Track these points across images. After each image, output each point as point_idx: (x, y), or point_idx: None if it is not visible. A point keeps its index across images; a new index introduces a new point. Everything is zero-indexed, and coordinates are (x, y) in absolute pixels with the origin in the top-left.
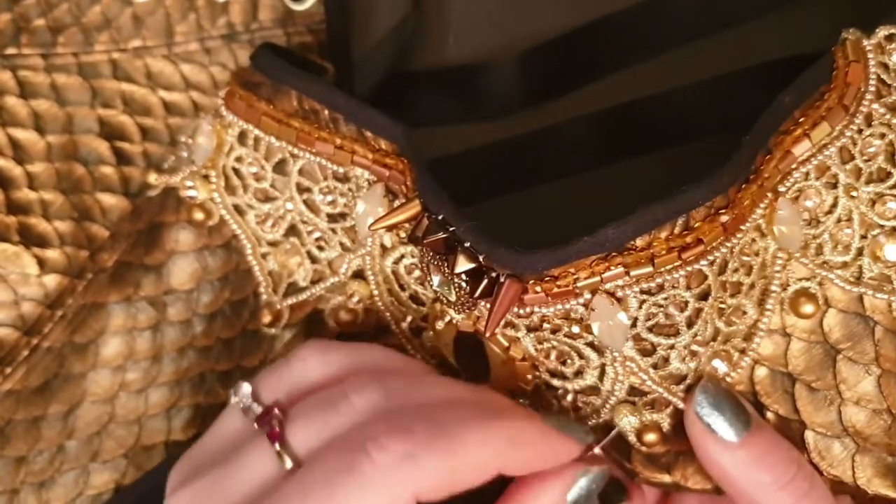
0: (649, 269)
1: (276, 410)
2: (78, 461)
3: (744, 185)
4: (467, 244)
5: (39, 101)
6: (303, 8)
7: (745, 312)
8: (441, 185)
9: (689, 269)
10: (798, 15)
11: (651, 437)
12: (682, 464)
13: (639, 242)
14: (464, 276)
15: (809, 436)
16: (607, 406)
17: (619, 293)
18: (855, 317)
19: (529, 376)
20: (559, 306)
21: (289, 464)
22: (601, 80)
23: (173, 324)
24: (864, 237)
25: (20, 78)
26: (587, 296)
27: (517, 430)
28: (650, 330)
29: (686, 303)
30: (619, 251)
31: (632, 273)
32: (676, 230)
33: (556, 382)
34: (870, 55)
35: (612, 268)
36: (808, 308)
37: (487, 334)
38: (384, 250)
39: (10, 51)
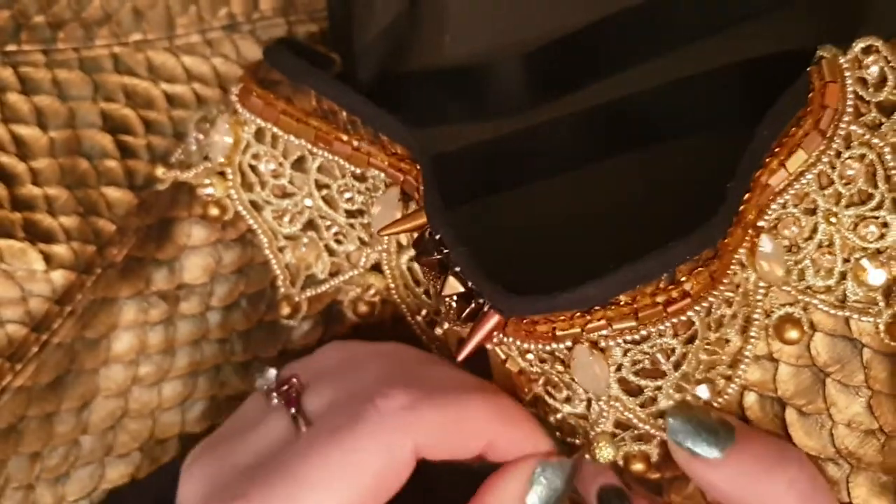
0: (633, 323)
1: (295, 380)
2: (93, 456)
3: (730, 231)
4: (457, 269)
5: (41, 97)
6: None
7: (727, 341)
8: (445, 205)
9: (674, 320)
10: (797, 14)
11: (639, 466)
12: (676, 487)
13: (622, 298)
14: (454, 296)
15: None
16: (594, 432)
17: (602, 343)
18: (842, 340)
19: (526, 389)
20: (541, 346)
21: (304, 427)
22: (603, 81)
23: (186, 317)
24: (846, 261)
25: (21, 74)
26: (568, 343)
27: (511, 408)
28: (636, 374)
29: (673, 349)
30: (601, 305)
31: (614, 326)
32: (662, 284)
33: (549, 400)
34: (846, 73)
35: (594, 321)
36: (793, 334)
37: (458, 359)
38: (400, 248)
39: (11, 47)
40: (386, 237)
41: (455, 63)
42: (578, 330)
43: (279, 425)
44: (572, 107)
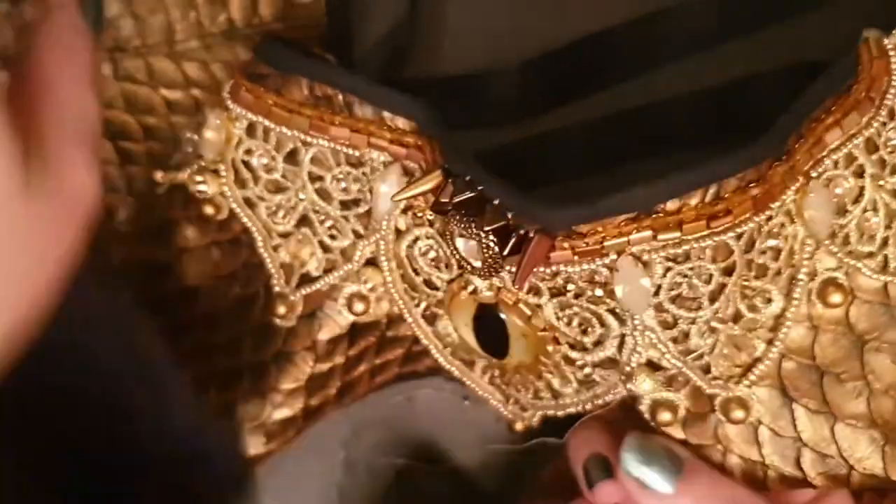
0: (677, 234)
1: None
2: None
3: (776, 164)
4: (496, 201)
5: None
6: (303, 2)
7: (770, 300)
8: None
9: (716, 239)
10: (805, 26)
11: (666, 416)
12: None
13: (669, 206)
14: (492, 236)
15: (839, 429)
16: (624, 376)
17: (646, 257)
18: (880, 307)
19: (550, 348)
20: (585, 266)
21: None
22: (605, 91)
23: (185, 321)
24: (888, 227)
25: None
26: (613, 256)
27: None
28: (672, 301)
29: (711, 276)
30: (648, 213)
31: (659, 237)
32: (707, 199)
33: (574, 355)
34: (891, 53)
35: (640, 230)
36: (836, 297)
37: (517, 287)
38: (398, 234)
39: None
40: (384, 222)
41: (453, 71)
42: (625, 240)
43: None
44: (575, 117)
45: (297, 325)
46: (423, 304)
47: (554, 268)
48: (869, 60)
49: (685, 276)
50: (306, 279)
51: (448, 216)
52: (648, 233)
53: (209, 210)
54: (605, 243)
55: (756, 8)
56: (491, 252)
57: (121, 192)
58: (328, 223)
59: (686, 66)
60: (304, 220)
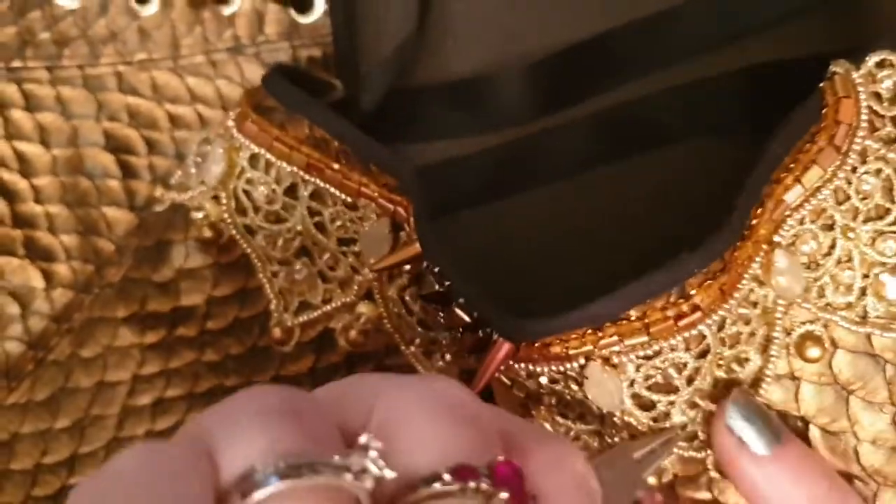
0: (644, 338)
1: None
2: (85, 475)
3: (739, 244)
4: (461, 301)
5: (45, 114)
6: (309, 21)
7: (747, 359)
8: (442, 238)
9: (686, 335)
10: (802, 28)
11: (650, 479)
12: None
13: (633, 313)
14: (460, 328)
15: None
16: (610, 441)
17: (615, 359)
18: (864, 356)
19: (534, 412)
20: (553, 367)
21: None
22: (607, 94)
23: (181, 340)
24: (866, 276)
25: (25, 91)
26: (581, 361)
27: None
28: (649, 389)
29: (685, 364)
30: (612, 321)
31: (626, 342)
32: (672, 298)
33: (560, 420)
34: (860, 88)
35: (606, 337)
36: (814, 352)
37: (475, 391)
38: (391, 276)
39: (16, 63)
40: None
41: (459, 76)
42: (591, 347)
43: None
44: (577, 115)
45: (295, 351)
46: (417, 340)
47: (522, 364)
48: (835, 102)
49: (658, 368)
50: (305, 307)
51: (423, 300)
52: (615, 338)
53: (208, 233)
54: (570, 351)
55: (757, 9)
56: (456, 343)
57: (122, 207)
58: (326, 255)
59: (687, 69)
60: (302, 251)
